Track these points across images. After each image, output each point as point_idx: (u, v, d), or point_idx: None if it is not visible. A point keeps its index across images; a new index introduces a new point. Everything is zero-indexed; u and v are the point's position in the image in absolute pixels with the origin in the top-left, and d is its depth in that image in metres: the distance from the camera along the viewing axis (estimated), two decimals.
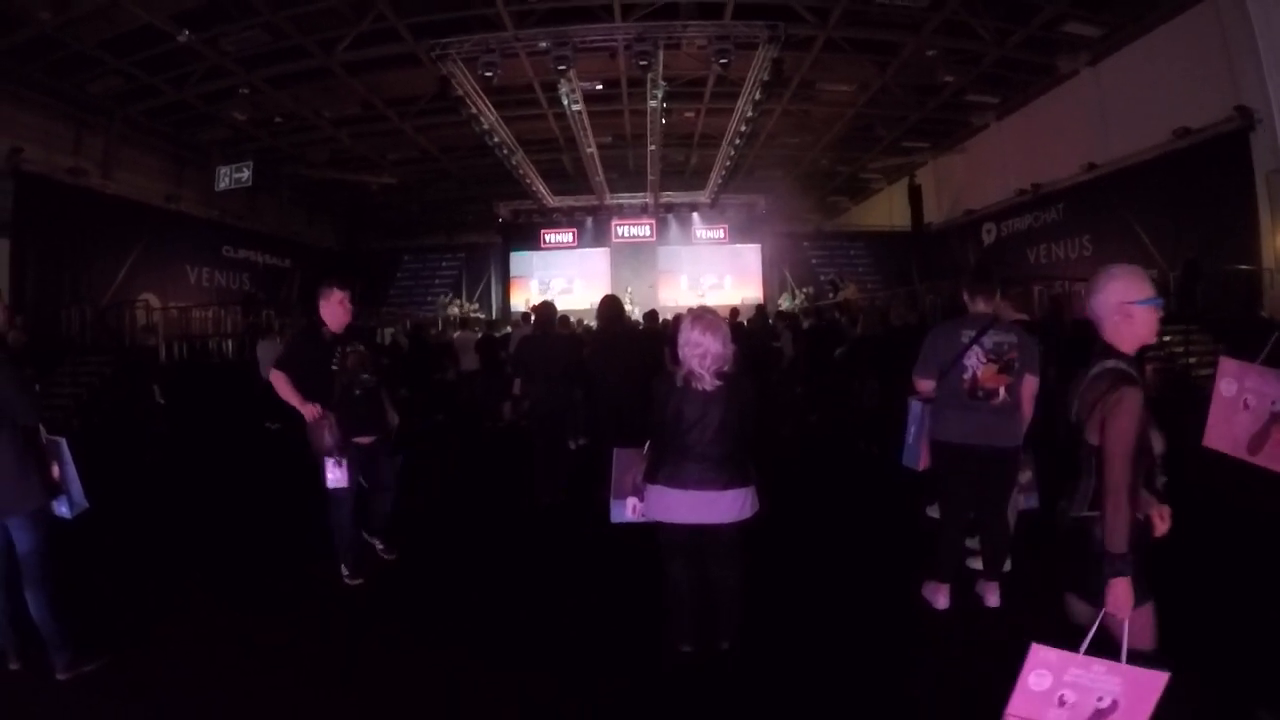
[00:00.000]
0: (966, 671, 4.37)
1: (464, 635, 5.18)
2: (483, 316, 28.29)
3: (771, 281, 29.94)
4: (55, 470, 4.74)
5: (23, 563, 4.57)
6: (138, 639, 5.26)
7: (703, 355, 4.22)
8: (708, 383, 4.24)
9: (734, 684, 4.39)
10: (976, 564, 5.45)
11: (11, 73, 16.69)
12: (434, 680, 4.59)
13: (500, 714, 4.26)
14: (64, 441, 4.88)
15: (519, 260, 31.52)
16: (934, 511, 6.04)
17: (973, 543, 5.56)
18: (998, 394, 4.96)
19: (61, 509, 4.80)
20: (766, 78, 17.39)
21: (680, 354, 4.32)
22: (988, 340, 4.98)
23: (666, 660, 4.56)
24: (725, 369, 4.29)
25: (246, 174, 23.05)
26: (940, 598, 5.20)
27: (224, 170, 23.25)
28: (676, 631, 4.60)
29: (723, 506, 4.30)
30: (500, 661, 4.79)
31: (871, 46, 18.50)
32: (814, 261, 30.61)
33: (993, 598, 5.17)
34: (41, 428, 4.76)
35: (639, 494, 4.59)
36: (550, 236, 31.18)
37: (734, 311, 15.29)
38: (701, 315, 4.37)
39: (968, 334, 5.04)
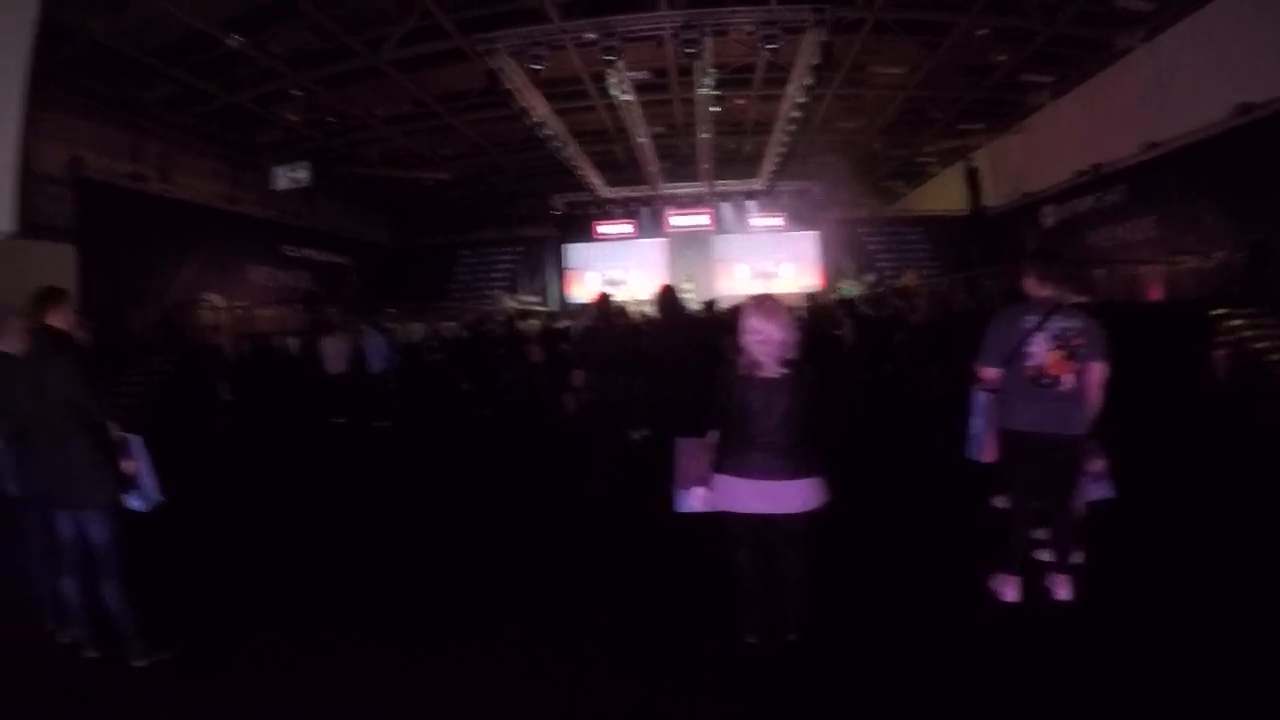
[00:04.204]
0: (1036, 666, 4.33)
1: (521, 625, 5.23)
2: (542, 309, 28.27)
3: (829, 269, 29.51)
4: (129, 465, 4.87)
5: (97, 554, 4.74)
6: (210, 629, 5.39)
7: (765, 342, 4.18)
8: (771, 371, 4.20)
9: (801, 676, 4.34)
10: (1046, 556, 5.31)
11: (67, 83, 17.02)
12: (497, 671, 4.63)
13: (560, 705, 4.27)
14: (137, 438, 5.01)
15: (575, 252, 31.55)
16: (1001, 502, 5.94)
17: (1042, 534, 5.40)
18: (1064, 381, 4.83)
19: (135, 502, 4.92)
20: (816, 61, 17.15)
21: (742, 342, 4.28)
22: (1052, 326, 4.86)
23: (732, 652, 4.51)
24: (789, 356, 4.23)
25: (303, 174, 23.42)
26: (1008, 590, 5.10)
27: (281, 171, 23.63)
28: (743, 623, 4.55)
29: (790, 496, 4.26)
30: (559, 653, 4.80)
31: (921, 27, 18.12)
32: (871, 248, 30.25)
33: (1063, 590, 5.03)
34: (114, 424, 4.89)
35: (704, 483, 4.53)
36: (605, 228, 31.23)
37: (801, 299, 15.16)
38: (763, 302, 4.35)
39: (1031, 320, 4.92)
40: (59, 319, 4.85)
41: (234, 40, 16.42)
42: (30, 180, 8.86)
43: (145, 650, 4.77)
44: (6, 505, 5.46)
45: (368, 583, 6.30)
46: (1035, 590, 5.11)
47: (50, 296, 4.95)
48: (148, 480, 4.99)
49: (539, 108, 20.33)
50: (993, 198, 27.35)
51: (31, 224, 9.83)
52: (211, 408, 13.34)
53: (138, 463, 4.95)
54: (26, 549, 5.37)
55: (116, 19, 15.16)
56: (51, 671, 4.96)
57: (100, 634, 4.90)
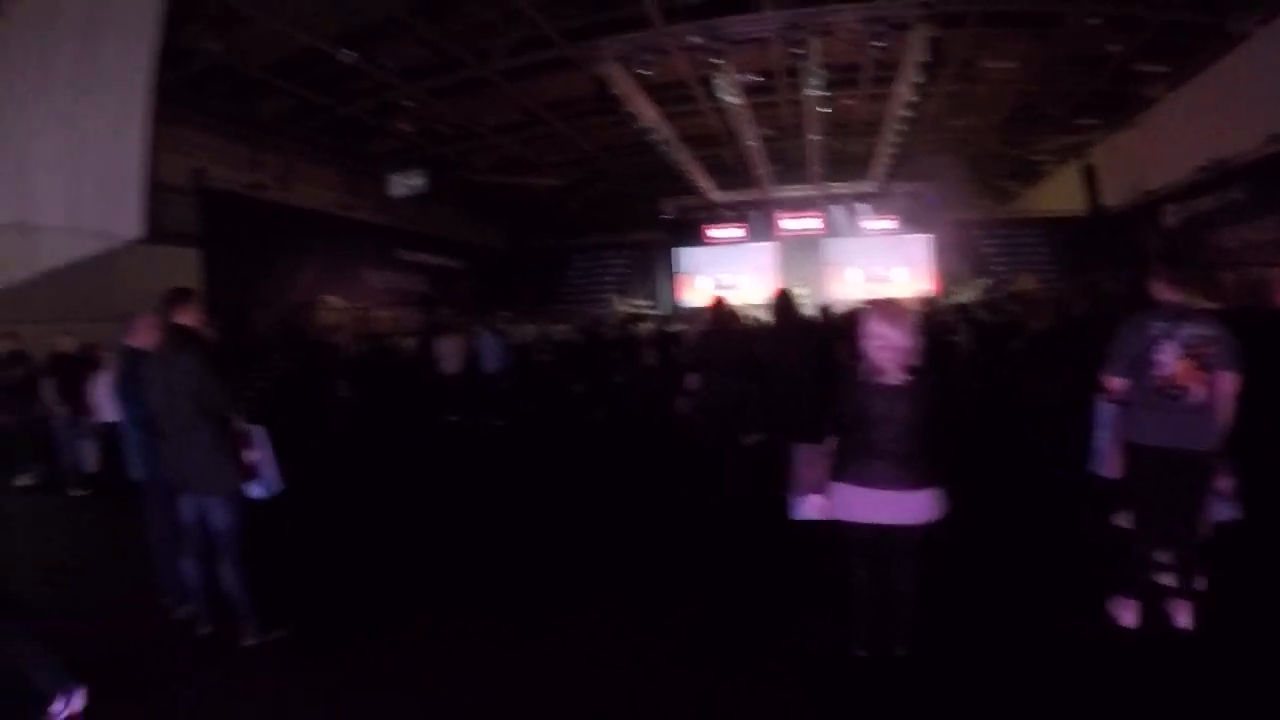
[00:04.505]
0: (1151, 696, 4.20)
1: (624, 622, 5.33)
2: (654, 313, 28.35)
3: (943, 273, 28.74)
4: (251, 455, 5.13)
5: (216, 538, 5.03)
6: (319, 614, 5.66)
7: (888, 348, 4.12)
8: (893, 377, 4.14)
9: (906, 693, 4.28)
10: (1168, 579, 5.04)
11: (189, 100, 17.86)
12: (608, 674, 4.70)
13: (664, 711, 4.32)
14: (261, 430, 5.29)
15: (685, 256, 31.33)
16: (1122, 520, 5.66)
17: (1165, 556, 5.09)
18: (1193, 392, 4.59)
19: (256, 491, 5.19)
20: (925, 58, 16.80)
21: (864, 347, 4.20)
22: (1181, 333, 4.62)
23: (839, 663, 4.48)
24: (912, 363, 4.16)
25: (419, 181, 24.12)
26: (1127, 614, 4.92)
27: (397, 178, 24.34)
28: (853, 635, 4.50)
29: (908, 507, 4.19)
30: (663, 657, 4.84)
31: (1030, 19, 17.44)
32: (986, 250, 29.21)
33: (1184, 617, 4.81)
34: (238, 417, 5.17)
35: (821, 491, 4.44)
36: (715, 232, 30.92)
37: (926, 303, 14.92)
38: (886, 306, 4.29)
39: (1159, 327, 4.68)
40: (187, 317, 5.14)
41: (346, 55, 16.91)
42: (157, 190, 9.36)
43: (257, 630, 5.06)
44: (133, 488, 5.83)
45: (472, 575, 6.53)
46: (1154, 615, 4.90)
47: (179, 296, 5.23)
48: (269, 470, 5.26)
49: (647, 113, 20.38)
50: (1111, 197, 26.25)
51: (159, 230, 10.36)
52: (329, 404, 13.74)
53: (260, 453, 5.22)
54: (150, 530, 5.72)
55: (232, 38, 15.78)
56: (165, 644, 5.29)
57: (215, 612, 5.22)
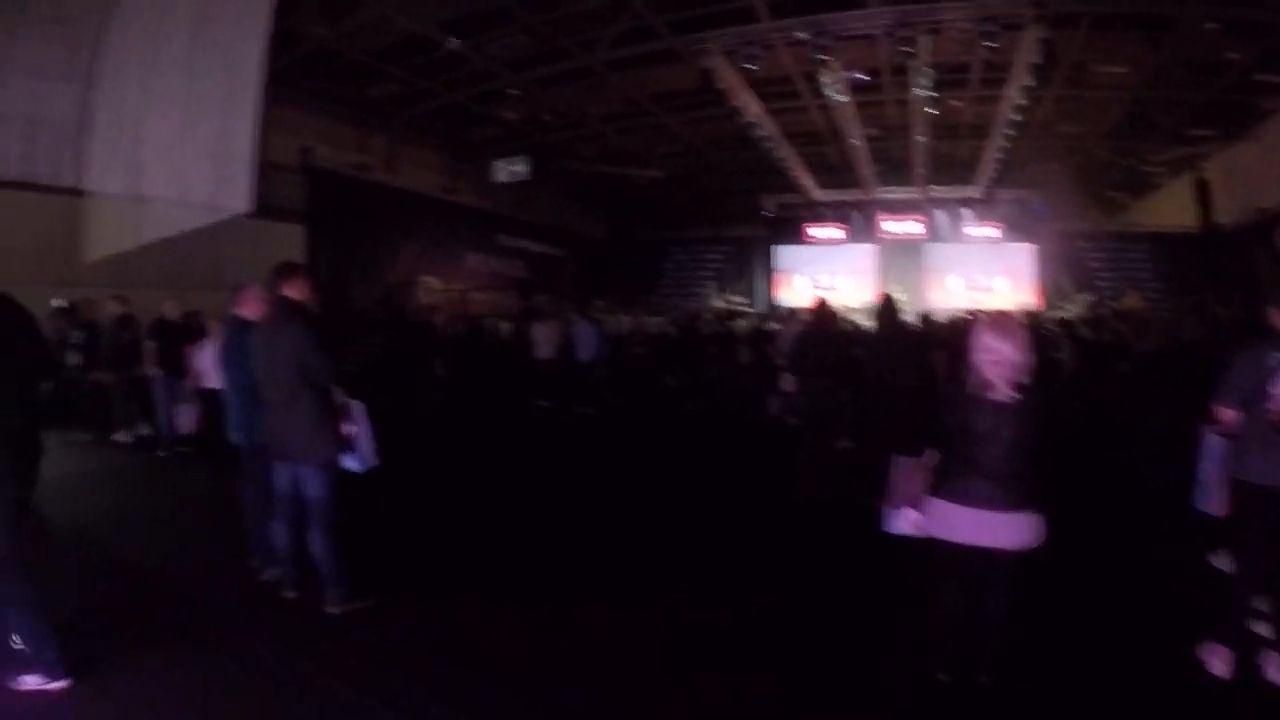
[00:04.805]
0: None
1: (698, 632, 5.21)
2: (750, 309, 28.17)
3: (1047, 284, 27.76)
4: (349, 428, 5.27)
5: (310, 507, 5.19)
6: (404, 586, 5.79)
7: (999, 364, 3.95)
8: (1002, 394, 3.97)
9: None
10: (1264, 629, 4.71)
11: (298, 83, 18.50)
12: (670, 677, 4.64)
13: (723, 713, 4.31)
14: (359, 404, 5.44)
15: (784, 254, 31.03)
16: (1221, 562, 5.45)
17: (1264, 603, 4.72)
18: None
19: (351, 463, 5.33)
20: (1036, 60, 16.34)
21: (974, 361, 4.05)
22: None
23: (918, 686, 4.37)
24: (1022, 380, 4.00)
25: (522, 168, 24.41)
26: (1218, 663, 4.59)
27: (501, 164, 24.68)
28: (936, 658, 4.38)
29: (1008, 529, 4.01)
30: (732, 663, 4.80)
31: (1144, 21, 16.60)
32: (1092, 264, 28.09)
33: (1275, 671, 4.53)
34: (338, 390, 5.31)
35: (917, 505, 4.30)
36: (815, 231, 30.52)
37: (1028, 315, 14.60)
38: (998, 320, 4.15)
39: (1277, 357, 4.35)
40: (295, 291, 5.29)
41: (452, 43, 17.25)
42: (265, 168, 9.69)
43: (341, 599, 5.22)
44: (230, 452, 6.04)
45: (553, 558, 6.63)
46: (1246, 665, 4.60)
47: (288, 270, 5.40)
48: (365, 444, 5.40)
49: (751, 107, 20.27)
50: (1224, 213, 25.21)
51: (266, 206, 10.76)
52: (425, 382, 13.97)
53: (357, 427, 5.36)
54: (245, 493, 5.95)
55: (341, 24, 16.27)
56: (249, 603, 5.51)
57: (300, 578, 5.40)
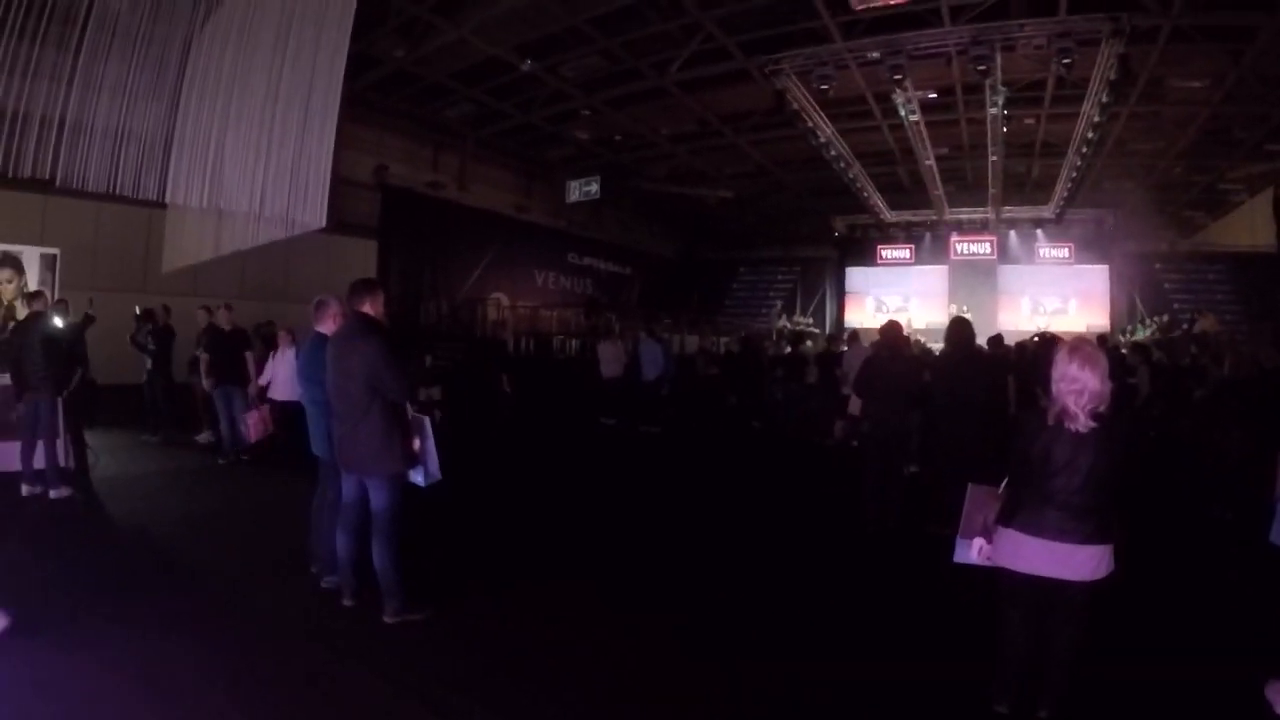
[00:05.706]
0: None
1: (754, 654, 5.15)
2: (817, 331, 28.01)
3: (1120, 306, 27.18)
4: (416, 443, 5.36)
5: (374, 517, 5.28)
6: (462, 600, 5.83)
7: (1080, 393, 3.81)
8: (1082, 424, 3.83)
9: None
10: None
11: (376, 104, 19.20)
12: (729, 707, 4.50)
13: None
14: (427, 419, 5.54)
15: (854, 276, 31.05)
16: None
17: None
18: None
19: (417, 477, 5.45)
20: (1113, 76, 15.89)
21: (1054, 390, 3.93)
22: None
23: (979, 718, 4.21)
24: (1101, 409, 3.86)
25: (595, 187, 24.82)
26: None
27: (574, 184, 25.15)
28: (997, 689, 4.22)
29: (1081, 562, 3.86)
30: (790, 686, 4.71)
31: (1223, 32, 16.01)
32: (1166, 286, 27.19)
33: None
34: (409, 405, 5.42)
35: (988, 535, 4.18)
36: (887, 252, 30.42)
37: (1101, 339, 14.36)
38: (1079, 347, 3.98)
39: None
40: (371, 306, 5.39)
41: (527, 65, 17.58)
42: (341, 185, 9.96)
43: (399, 609, 5.28)
44: (299, 463, 6.19)
45: (613, 577, 6.64)
46: None
47: (366, 286, 5.52)
48: (431, 459, 5.48)
49: (824, 128, 20.31)
50: None
51: (340, 222, 11.02)
52: (492, 397, 14.09)
53: (425, 442, 5.45)
54: (314, 501, 6.11)
55: (418, 47, 16.68)
56: (306, 610, 5.59)
57: (359, 587, 5.49)
